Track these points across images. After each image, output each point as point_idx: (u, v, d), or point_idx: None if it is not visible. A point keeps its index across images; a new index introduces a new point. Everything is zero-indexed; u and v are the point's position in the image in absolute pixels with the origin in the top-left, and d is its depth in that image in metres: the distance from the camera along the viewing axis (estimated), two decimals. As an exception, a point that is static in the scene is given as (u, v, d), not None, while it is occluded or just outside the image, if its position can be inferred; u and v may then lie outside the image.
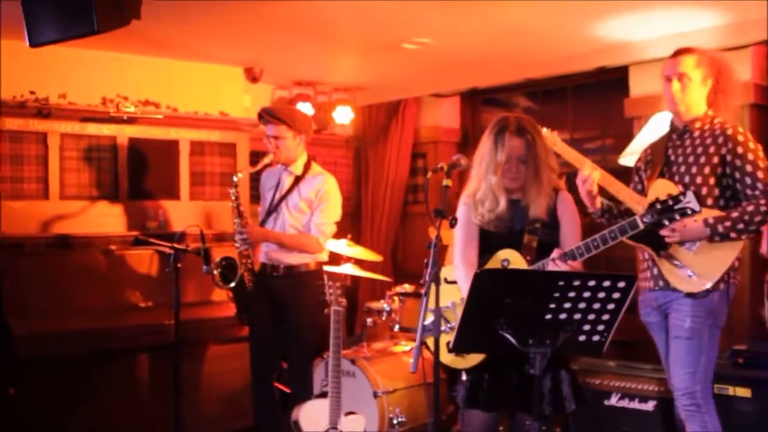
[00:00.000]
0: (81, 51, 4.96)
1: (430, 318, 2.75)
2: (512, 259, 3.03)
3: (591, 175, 3.14)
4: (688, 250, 3.17)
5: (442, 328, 3.05)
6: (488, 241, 3.14)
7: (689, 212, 2.76)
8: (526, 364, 2.53)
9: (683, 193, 2.77)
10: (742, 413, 3.60)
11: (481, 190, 3.12)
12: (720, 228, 3.08)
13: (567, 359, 3.11)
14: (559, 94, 5.94)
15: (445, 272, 3.18)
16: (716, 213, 3.14)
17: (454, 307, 3.14)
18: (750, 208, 3.09)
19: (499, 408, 3.13)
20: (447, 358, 3.04)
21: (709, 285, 3.13)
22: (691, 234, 3.12)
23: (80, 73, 5.07)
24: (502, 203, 3.09)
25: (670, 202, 2.78)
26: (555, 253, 2.94)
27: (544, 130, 3.33)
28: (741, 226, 3.07)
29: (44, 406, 4.40)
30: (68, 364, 4.46)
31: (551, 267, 2.91)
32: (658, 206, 2.81)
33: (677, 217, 2.79)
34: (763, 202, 3.09)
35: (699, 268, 3.15)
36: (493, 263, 3.07)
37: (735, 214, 3.10)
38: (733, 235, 3.08)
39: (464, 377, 3.12)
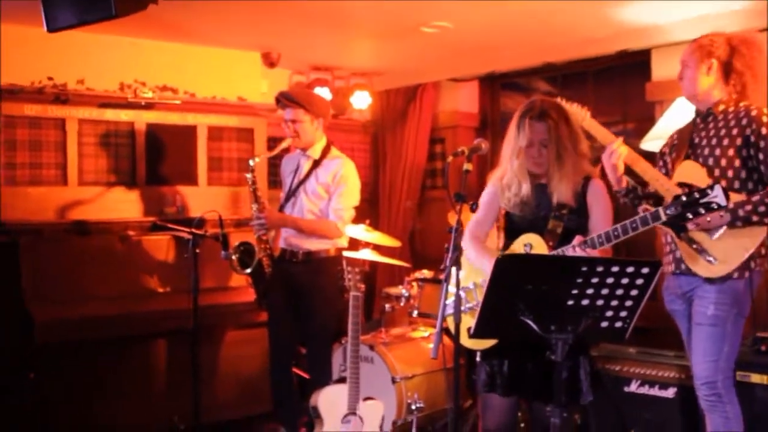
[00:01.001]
0: (99, 36, 4.95)
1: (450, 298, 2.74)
2: (535, 243, 3.02)
3: (618, 149, 3.09)
4: (710, 236, 3.10)
5: (461, 308, 3.05)
6: (514, 225, 3.16)
7: (715, 207, 2.64)
8: (544, 350, 2.51)
9: (711, 187, 2.65)
10: (764, 401, 3.56)
11: (507, 174, 3.13)
12: (741, 212, 3.01)
13: (587, 347, 3.08)
14: (580, 78, 5.87)
15: None
16: (736, 197, 3.05)
17: (474, 288, 3.13)
18: None
19: (516, 393, 3.12)
20: (468, 341, 3.02)
21: (729, 271, 3.07)
22: (711, 221, 3.03)
23: (98, 59, 5.07)
24: (525, 188, 3.09)
25: (696, 195, 2.67)
26: (576, 240, 2.91)
27: (574, 106, 3.28)
28: (762, 209, 2.99)
29: (62, 391, 4.42)
30: (86, 349, 4.47)
31: (570, 254, 2.88)
32: (684, 198, 2.69)
33: (702, 211, 2.68)
34: None
35: (720, 253, 3.08)
36: (516, 247, 3.07)
37: (756, 198, 3.02)
38: (754, 218, 3.01)
39: (478, 358, 3.12)
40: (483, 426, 3.25)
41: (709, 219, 2.98)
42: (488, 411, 3.20)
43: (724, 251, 3.07)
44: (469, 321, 2.99)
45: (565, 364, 2.90)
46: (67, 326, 4.37)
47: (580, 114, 3.30)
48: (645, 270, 2.35)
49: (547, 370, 2.83)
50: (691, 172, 3.20)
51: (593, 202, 3.09)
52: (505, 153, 3.16)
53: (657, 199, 3.23)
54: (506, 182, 3.14)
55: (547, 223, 3.06)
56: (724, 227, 3.06)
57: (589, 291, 2.37)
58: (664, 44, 4.83)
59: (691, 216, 2.72)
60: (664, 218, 2.75)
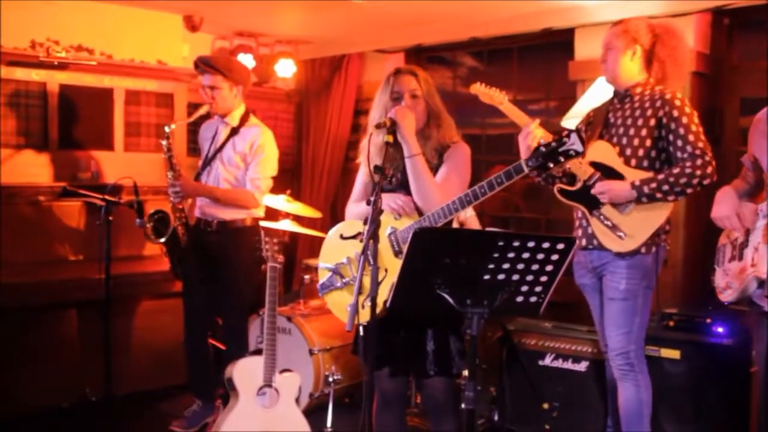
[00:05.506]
0: (9, -9, 4.72)
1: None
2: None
3: (534, 130, 3.04)
4: (620, 212, 3.25)
5: (337, 284, 3.05)
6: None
7: (572, 154, 2.66)
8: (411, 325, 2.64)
9: (567, 135, 2.67)
10: (670, 374, 3.70)
11: (375, 140, 3.11)
12: (646, 189, 3.17)
13: (457, 322, 2.97)
14: (505, 54, 5.90)
15: (342, 228, 3.19)
16: (644, 175, 3.21)
17: (348, 263, 3.08)
18: (676, 170, 3.16)
19: (386, 366, 3.06)
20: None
21: (638, 245, 3.21)
22: (618, 195, 3.21)
23: (8, 15, 4.80)
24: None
25: (554, 144, 2.69)
26: None
27: (481, 87, 3.41)
28: (666, 187, 3.15)
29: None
30: (-7, 318, 4.32)
31: None
32: (543, 149, 2.71)
33: (561, 159, 2.69)
34: (689, 164, 3.15)
35: (629, 228, 3.22)
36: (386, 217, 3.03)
37: (661, 176, 3.17)
38: (658, 195, 3.16)
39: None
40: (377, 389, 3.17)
41: (611, 186, 3.18)
42: (379, 378, 3.13)
43: (633, 226, 3.22)
44: (342, 293, 3.01)
45: (429, 335, 2.95)
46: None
47: (498, 97, 3.43)
48: (560, 246, 2.37)
49: (414, 344, 2.94)
50: (603, 151, 3.33)
51: (445, 159, 3.03)
52: (373, 119, 3.13)
53: (571, 177, 3.36)
54: (376, 150, 3.08)
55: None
56: (633, 204, 3.21)
57: (506, 266, 2.38)
58: (588, 24, 4.88)
59: (551, 165, 2.72)
60: (526, 170, 2.73)
